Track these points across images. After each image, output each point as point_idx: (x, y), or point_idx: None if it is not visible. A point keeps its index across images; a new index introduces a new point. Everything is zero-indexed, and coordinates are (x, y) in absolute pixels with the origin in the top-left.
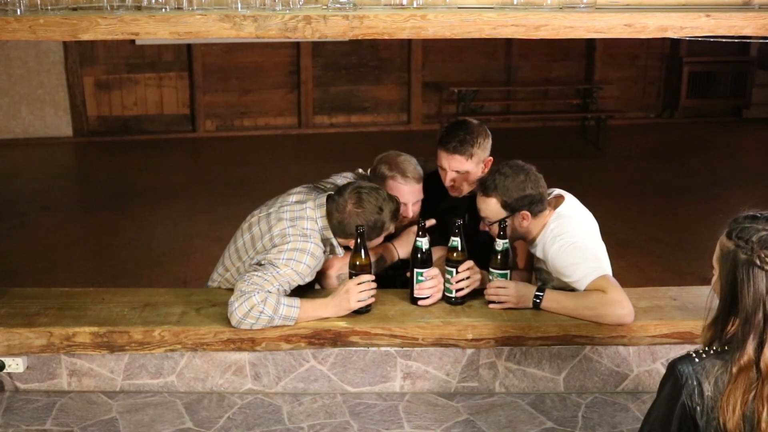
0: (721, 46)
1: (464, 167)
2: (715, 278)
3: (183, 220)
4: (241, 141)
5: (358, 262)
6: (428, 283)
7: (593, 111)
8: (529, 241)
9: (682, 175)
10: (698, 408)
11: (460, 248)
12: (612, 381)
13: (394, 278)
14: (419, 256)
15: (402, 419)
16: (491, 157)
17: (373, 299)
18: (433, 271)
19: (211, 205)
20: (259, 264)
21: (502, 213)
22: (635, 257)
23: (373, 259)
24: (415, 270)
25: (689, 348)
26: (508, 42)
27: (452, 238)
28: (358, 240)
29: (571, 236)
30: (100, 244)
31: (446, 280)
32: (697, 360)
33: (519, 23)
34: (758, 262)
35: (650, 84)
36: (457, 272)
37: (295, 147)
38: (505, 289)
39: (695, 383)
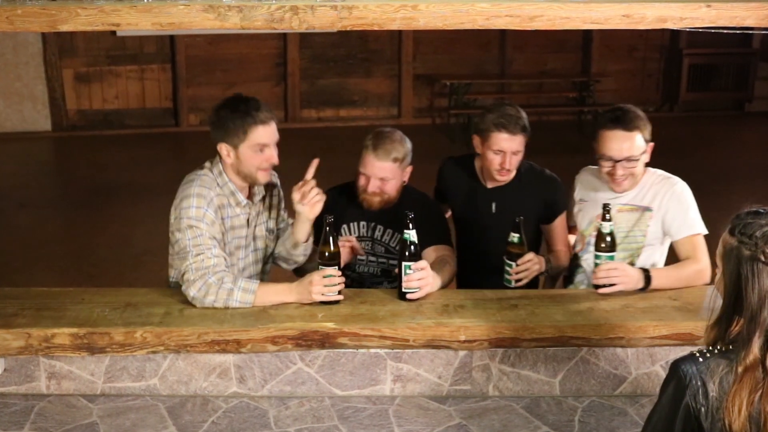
0: (722, 37)
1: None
2: (718, 276)
3: (165, 218)
4: None
5: (326, 252)
6: (416, 275)
7: (590, 105)
8: (627, 187)
9: (681, 171)
10: (703, 409)
11: (518, 242)
12: (609, 384)
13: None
14: (407, 248)
15: (392, 423)
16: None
17: (339, 296)
18: (422, 263)
19: None
20: (174, 246)
21: (642, 146)
22: None
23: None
24: (403, 263)
25: (689, 350)
26: (502, 33)
27: (512, 233)
28: (327, 229)
29: (681, 181)
30: (79, 242)
31: (506, 272)
32: (701, 359)
33: (513, 14)
34: (762, 257)
35: (649, 77)
36: (516, 264)
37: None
38: (616, 270)
39: (699, 383)
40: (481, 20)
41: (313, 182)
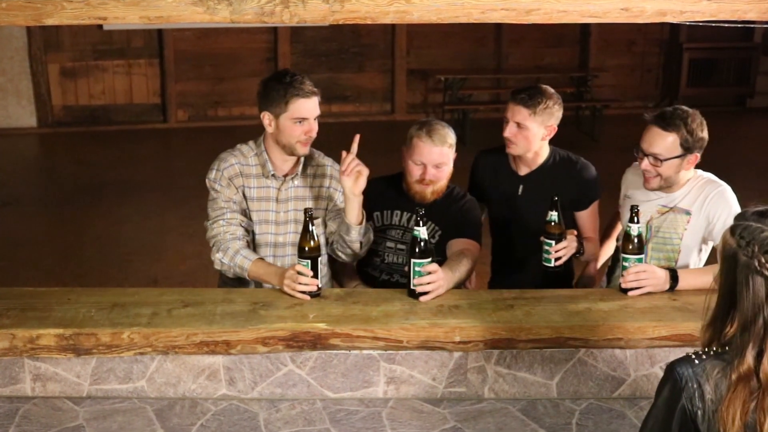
0: (723, 31)
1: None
2: (717, 271)
3: (153, 216)
4: (215, 132)
5: (306, 247)
6: (426, 278)
7: (588, 100)
8: (667, 189)
9: None
10: (699, 412)
11: (557, 221)
12: (608, 386)
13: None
14: (416, 245)
15: (385, 426)
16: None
17: (305, 296)
18: (432, 266)
19: (183, 199)
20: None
21: (676, 151)
22: None
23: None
24: (413, 261)
25: (690, 350)
26: (498, 27)
27: (550, 212)
28: (306, 220)
29: (725, 185)
30: (65, 240)
31: (545, 251)
32: (696, 362)
33: (509, 7)
34: (757, 266)
35: (648, 72)
36: (556, 243)
37: None
38: (645, 272)
39: (696, 386)
40: (477, 14)
41: (352, 155)
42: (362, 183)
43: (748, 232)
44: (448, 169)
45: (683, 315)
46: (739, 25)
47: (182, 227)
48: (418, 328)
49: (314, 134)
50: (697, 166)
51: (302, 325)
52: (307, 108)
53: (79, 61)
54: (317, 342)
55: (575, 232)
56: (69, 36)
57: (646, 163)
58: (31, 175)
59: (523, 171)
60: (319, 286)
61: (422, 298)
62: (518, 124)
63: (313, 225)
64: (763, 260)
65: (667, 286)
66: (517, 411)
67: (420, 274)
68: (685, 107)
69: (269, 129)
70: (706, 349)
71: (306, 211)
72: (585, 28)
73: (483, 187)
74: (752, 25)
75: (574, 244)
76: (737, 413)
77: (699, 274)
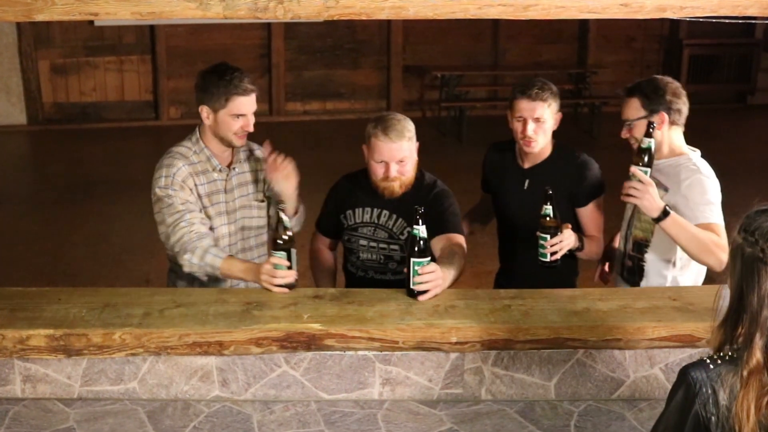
0: (724, 27)
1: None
2: (728, 275)
3: (145, 215)
4: None
5: (279, 240)
6: (425, 277)
7: (586, 97)
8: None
9: None
10: (713, 418)
11: (552, 215)
12: (607, 387)
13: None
14: (416, 245)
15: (381, 428)
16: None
17: (283, 289)
18: (431, 266)
19: None
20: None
21: (640, 112)
22: None
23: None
24: (412, 260)
25: (689, 352)
26: (495, 23)
27: (544, 206)
28: (278, 212)
29: (713, 178)
30: (56, 240)
31: (540, 246)
32: (711, 366)
33: (507, 2)
34: (761, 255)
35: (648, 68)
36: (551, 237)
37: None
38: (643, 185)
39: (710, 391)
40: (473, 9)
41: (275, 153)
42: (293, 179)
43: (753, 225)
44: (411, 162)
45: (683, 315)
46: (740, 21)
47: None
48: (414, 328)
49: (251, 128)
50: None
51: (296, 325)
52: (246, 105)
53: (69, 58)
54: (312, 343)
55: (570, 226)
56: (60, 32)
57: (624, 132)
58: (21, 174)
59: (528, 165)
60: (296, 277)
61: (421, 297)
62: (537, 120)
63: (285, 216)
64: (767, 249)
65: (655, 214)
66: (515, 413)
67: (418, 274)
68: (654, 76)
69: (207, 122)
70: (721, 353)
71: (278, 203)
72: (584, 23)
73: (491, 182)
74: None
75: (572, 239)
76: (751, 409)
77: (690, 225)
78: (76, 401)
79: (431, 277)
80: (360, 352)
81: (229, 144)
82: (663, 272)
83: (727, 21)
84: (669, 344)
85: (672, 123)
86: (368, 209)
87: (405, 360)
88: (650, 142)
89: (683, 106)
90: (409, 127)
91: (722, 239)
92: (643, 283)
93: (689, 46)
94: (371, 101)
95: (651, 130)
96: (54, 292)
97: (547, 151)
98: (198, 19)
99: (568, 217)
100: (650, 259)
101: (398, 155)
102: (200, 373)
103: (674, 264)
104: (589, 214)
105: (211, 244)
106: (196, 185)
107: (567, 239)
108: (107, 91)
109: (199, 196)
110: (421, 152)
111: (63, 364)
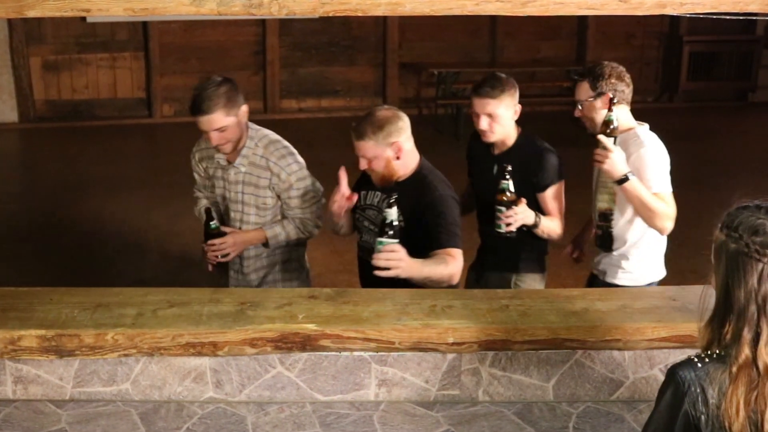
0: (724, 23)
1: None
2: (712, 275)
3: (138, 213)
4: None
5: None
6: (384, 255)
7: None
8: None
9: (681, 164)
10: (702, 417)
11: (508, 190)
12: (606, 389)
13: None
14: (384, 227)
15: (377, 430)
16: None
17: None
18: (394, 246)
19: (169, 197)
20: None
21: (589, 93)
22: None
23: None
24: (377, 239)
25: (690, 353)
26: (493, 19)
27: (502, 181)
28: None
29: (662, 149)
30: (47, 239)
31: (497, 217)
32: (699, 365)
33: None
34: (746, 250)
35: (647, 65)
36: (506, 210)
37: None
38: (605, 151)
39: (698, 390)
40: (471, 5)
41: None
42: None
43: (736, 221)
44: (379, 161)
45: (683, 315)
46: (741, 18)
47: (168, 225)
48: (410, 328)
49: (221, 141)
50: (699, 159)
51: (291, 325)
52: (202, 125)
53: (61, 55)
54: (307, 343)
55: (524, 201)
56: (51, 28)
57: (576, 111)
58: (12, 172)
59: (497, 152)
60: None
61: (376, 272)
62: (489, 115)
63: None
64: (751, 243)
65: (618, 176)
66: (513, 414)
67: (380, 251)
68: (600, 62)
69: None
70: (708, 352)
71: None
72: (582, 20)
73: (472, 169)
74: (754, 18)
75: (527, 214)
76: (740, 403)
77: (646, 191)
78: (68, 403)
79: (391, 255)
80: (356, 353)
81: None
82: (625, 237)
83: (727, 17)
84: (669, 345)
85: (619, 102)
86: (378, 193)
87: (401, 361)
88: (611, 116)
89: (626, 87)
90: (375, 129)
91: (669, 207)
92: (615, 247)
93: (689, 42)
94: (367, 99)
95: (613, 104)
96: (46, 292)
97: (513, 139)
98: (192, 16)
99: (531, 201)
100: (616, 225)
101: (361, 152)
102: (194, 374)
103: (634, 225)
104: (547, 198)
105: (202, 204)
106: (207, 167)
107: (521, 213)
108: (100, 89)
109: (209, 177)
110: (419, 150)
111: (55, 365)
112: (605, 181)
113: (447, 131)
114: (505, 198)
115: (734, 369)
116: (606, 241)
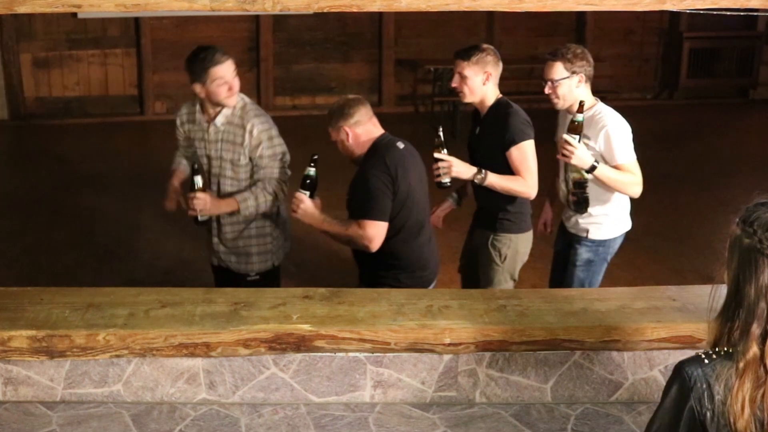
0: (725, 19)
1: None
2: (725, 269)
3: (130, 212)
4: None
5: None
6: (294, 201)
7: None
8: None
9: (682, 162)
10: (708, 413)
11: (440, 145)
12: (605, 390)
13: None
14: (303, 180)
15: None
16: None
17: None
18: (301, 197)
19: (161, 195)
20: None
21: (563, 74)
22: (630, 253)
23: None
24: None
25: (690, 353)
26: (490, 15)
27: (436, 138)
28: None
29: (623, 122)
30: (38, 238)
31: (435, 169)
32: (706, 361)
33: None
34: (759, 246)
35: (646, 62)
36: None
37: None
38: (572, 147)
39: (705, 386)
40: (468, 1)
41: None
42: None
43: (752, 216)
44: (339, 144)
45: (683, 316)
46: (742, 14)
47: (160, 224)
48: (406, 329)
49: (236, 89)
50: (699, 157)
51: (285, 326)
52: (224, 71)
53: (52, 51)
54: (301, 344)
55: (451, 157)
56: (42, 24)
57: (547, 88)
58: (2, 170)
59: (480, 116)
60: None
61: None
62: (460, 75)
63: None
64: (765, 240)
65: (587, 166)
66: (510, 416)
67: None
68: (570, 44)
69: (201, 95)
70: (716, 349)
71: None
72: (581, 16)
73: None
74: (755, 14)
75: (463, 169)
76: (746, 400)
77: (612, 170)
78: (58, 404)
79: (296, 201)
80: (351, 354)
81: (225, 105)
82: (602, 197)
83: (728, 13)
84: (669, 345)
85: (587, 80)
86: None
87: (397, 362)
88: (581, 117)
89: (592, 68)
90: (331, 116)
91: (636, 175)
92: (590, 208)
93: (689, 39)
94: (362, 95)
95: (581, 107)
96: (36, 292)
97: (489, 101)
98: (184, 11)
99: (503, 161)
100: (591, 189)
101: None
102: (186, 376)
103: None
104: (513, 157)
105: (179, 160)
106: (189, 129)
107: (449, 166)
108: (91, 86)
109: (190, 138)
110: (417, 149)
111: (45, 365)
112: (574, 166)
113: (444, 128)
114: (436, 152)
115: (741, 365)
116: (582, 206)
